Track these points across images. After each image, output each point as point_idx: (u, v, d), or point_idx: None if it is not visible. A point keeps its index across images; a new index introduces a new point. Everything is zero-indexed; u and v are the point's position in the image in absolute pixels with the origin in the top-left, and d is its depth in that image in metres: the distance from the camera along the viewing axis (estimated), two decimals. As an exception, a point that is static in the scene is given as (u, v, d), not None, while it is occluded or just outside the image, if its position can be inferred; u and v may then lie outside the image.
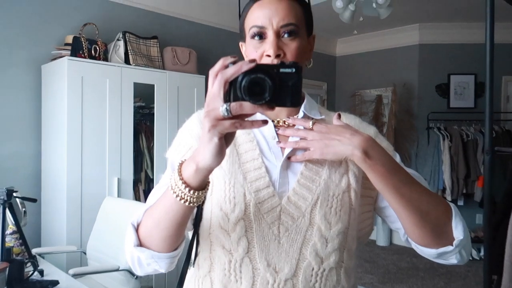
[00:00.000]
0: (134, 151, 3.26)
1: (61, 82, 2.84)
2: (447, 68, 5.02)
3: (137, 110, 3.32)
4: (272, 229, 0.75)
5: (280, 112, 0.84)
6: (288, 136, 0.82)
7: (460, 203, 4.57)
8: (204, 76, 3.62)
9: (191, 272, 0.83)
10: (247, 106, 0.56)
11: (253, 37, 0.80)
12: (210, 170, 0.64)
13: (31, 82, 3.08)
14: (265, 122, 0.61)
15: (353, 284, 0.82)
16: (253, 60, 0.58)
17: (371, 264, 4.38)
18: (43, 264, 2.00)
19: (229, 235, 0.75)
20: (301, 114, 0.84)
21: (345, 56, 5.87)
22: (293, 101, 0.59)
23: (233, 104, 0.56)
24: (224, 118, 0.57)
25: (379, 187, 0.74)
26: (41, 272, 1.83)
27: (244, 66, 0.57)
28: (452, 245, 0.74)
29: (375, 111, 5.26)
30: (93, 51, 3.02)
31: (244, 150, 0.81)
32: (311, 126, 0.78)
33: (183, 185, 0.65)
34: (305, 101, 0.85)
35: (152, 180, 3.44)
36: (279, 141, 0.81)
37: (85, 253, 2.56)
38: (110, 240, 2.41)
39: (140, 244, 0.75)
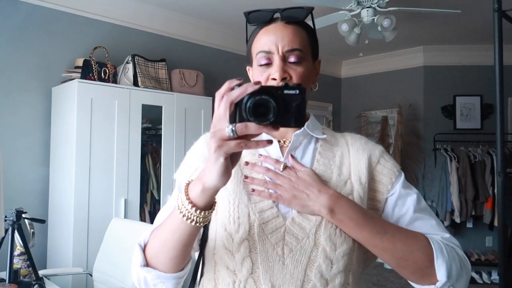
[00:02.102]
0: (140, 171, 3.28)
1: (71, 104, 2.88)
2: (453, 90, 5.04)
3: (143, 132, 3.34)
4: (276, 249, 0.75)
5: (287, 133, 0.85)
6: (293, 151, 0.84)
7: (469, 225, 4.51)
8: (211, 98, 3.66)
9: None
10: (252, 126, 0.58)
11: (260, 64, 0.82)
12: (216, 190, 0.65)
13: (42, 104, 3.12)
14: (269, 142, 0.63)
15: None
16: (258, 83, 0.60)
17: (380, 288, 4.29)
18: (49, 286, 1.99)
19: (233, 256, 0.75)
20: (301, 130, 0.84)
21: (351, 77, 5.91)
22: (297, 122, 0.60)
23: (239, 125, 0.58)
24: (230, 139, 0.59)
25: (353, 237, 0.76)
26: (48, 295, 1.82)
27: (249, 88, 0.59)
28: (434, 286, 0.75)
29: (381, 132, 5.26)
30: (102, 74, 3.07)
31: (248, 171, 0.82)
32: (281, 169, 0.80)
33: (190, 205, 0.66)
34: (308, 120, 0.86)
35: (158, 201, 3.43)
36: (246, 177, 0.81)
37: (91, 275, 2.54)
38: (116, 262, 2.39)
39: (147, 264, 0.75)
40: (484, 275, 4.43)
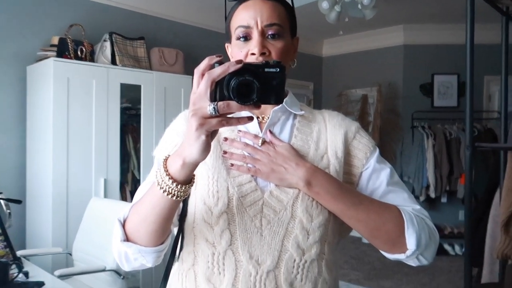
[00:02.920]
0: (120, 152, 3.25)
1: (47, 83, 2.82)
2: (431, 68, 5.10)
3: (123, 112, 3.31)
4: (254, 222, 0.77)
5: (265, 109, 0.86)
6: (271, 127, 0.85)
7: (444, 200, 4.66)
8: (191, 77, 3.61)
9: (175, 266, 0.84)
10: (234, 105, 0.60)
11: (238, 38, 0.82)
12: (196, 165, 0.67)
13: (16, 82, 3.05)
14: (250, 118, 0.65)
15: (335, 277, 0.84)
16: (239, 61, 0.61)
17: (357, 261, 4.43)
18: (28, 266, 1.99)
19: (212, 228, 0.77)
20: (279, 106, 0.84)
21: (331, 56, 5.92)
22: (277, 99, 0.63)
23: (221, 104, 0.60)
24: (211, 117, 0.60)
25: (329, 209, 0.79)
26: (26, 274, 1.83)
27: (231, 67, 0.60)
28: (404, 254, 0.78)
29: (361, 110, 5.32)
30: (79, 52, 3.01)
31: (228, 147, 0.83)
32: (260, 145, 0.81)
33: (170, 180, 0.67)
34: (287, 97, 0.88)
35: (139, 180, 3.43)
36: (225, 152, 0.83)
37: (71, 255, 2.55)
38: (96, 241, 2.40)
39: (127, 239, 0.76)
40: (457, 247, 4.61)
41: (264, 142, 0.82)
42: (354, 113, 5.39)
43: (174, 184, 0.67)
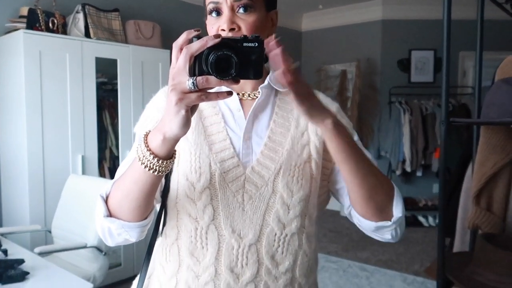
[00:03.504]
0: (97, 128, 3.19)
1: (17, 57, 2.71)
2: (409, 44, 5.14)
3: (99, 87, 3.22)
4: (236, 197, 0.79)
5: (245, 85, 0.86)
6: (250, 107, 0.84)
7: (419, 173, 4.80)
8: (169, 51, 3.55)
9: (159, 241, 0.85)
10: (213, 80, 0.59)
11: (210, 13, 0.81)
12: (177, 140, 0.66)
13: (-16, 56, 2.92)
14: (229, 93, 0.64)
15: (314, 249, 0.86)
16: (218, 36, 0.60)
17: (335, 234, 4.55)
18: (6, 244, 1.97)
19: (195, 204, 0.78)
20: (266, 83, 0.85)
21: (311, 31, 5.88)
22: (256, 74, 0.63)
23: (199, 79, 0.59)
24: (190, 92, 0.60)
25: (339, 158, 0.75)
26: (5, 252, 1.81)
27: (209, 42, 0.60)
28: (390, 220, 0.79)
29: (340, 86, 5.35)
30: (50, 24, 2.89)
31: (210, 123, 0.83)
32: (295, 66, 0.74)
33: (151, 156, 0.67)
34: (270, 72, 0.86)
35: (117, 157, 3.39)
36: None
37: (50, 232, 2.53)
38: (76, 218, 2.38)
39: (110, 215, 0.76)
40: (430, 219, 4.79)
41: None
42: (333, 88, 5.42)
43: (155, 159, 0.67)
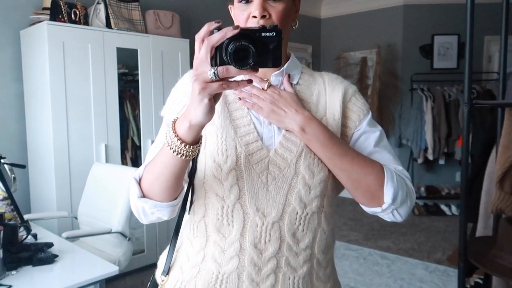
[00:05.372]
0: (120, 119, 3.25)
1: (42, 48, 2.78)
2: (431, 29, 5.03)
3: (120, 77, 3.27)
4: (261, 178, 0.83)
5: (267, 72, 0.89)
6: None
7: (441, 162, 4.72)
8: (188, 40, 3.57)
9: (186, 218, 0.90)
10: (232, 70, 0.63)
11: (240, 0, 0.84)
12: (202, 126, 0.70)
13: (11, 47, 3.00)
14: (249, 81, 0.67)
15: (332, 228, 0.90)
16: (236, 27, 0.63)
17: (356, 222, 4.54)
18: (35, 229, 2.04)
19: (222, 184, 0.82)
20: (282, 69, 0.89)
21: (330, 18, 5.81)
22: (274, 62, 0.66)
23: (220, 69, 0.63)
24: (212, 81, 0.64)
25: (320, 156, 0.84)
26: (35, 236, 1.87)
27: (228, 33, 0.63)
28: (381, 207, 0.82)
29: (360, 73, 5.28)
30: (72, 15, 2.94)
31: (234, 109, 0.88)
32: (266, 88, 0.85)
33: (179, 141, 0.71)
34: (289, 60, 0.90)
35: (139, 147, 3.44)
36: (240, 99, 0.88)
37: (76, 218, 2.61)
38: (100, 205, 2.44)
39: (144, 195, 0.81)
40: (453, 208, 4.72)
41: (270, 86, 0.86)
42: (353, 76, 5.36)
43: (183, 144, 0.71)
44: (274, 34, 0.64)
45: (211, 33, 0.64)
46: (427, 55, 5.08)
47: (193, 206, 0.87)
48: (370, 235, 4.13)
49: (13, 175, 2.01)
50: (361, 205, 0.87)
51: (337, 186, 0.89)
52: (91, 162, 2.86)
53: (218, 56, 0.64)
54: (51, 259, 1.66)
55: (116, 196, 2.34)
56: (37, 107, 2.91)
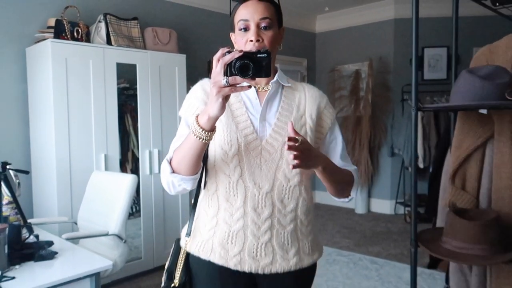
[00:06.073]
0: (120, 131, 3.41)
1: (46, 64, 2.97)
2: (421, 42, 5.18)
3: (121, 92, 3.44)
4: (256, 160, 1.14)
5: (260, 81, 1.21)
6: (264, 96, 1.19)
7: (432, 170, 4.83)
8: (185, 55, 3.76)
9: (202, 194, 1.21)
10: (238, 79, 0.93)
11: (240, 29, 1.14)
12: (217, 118, 1.00)
13: (16, 64, 3.20)
14: (249, 87, 0.97)
15: (310, 197, 1.22)
16: (241, 51, 0.94)
17: (349, 230, 4.65)
18: (37, 231, 2.18)
19: (228, 165, 1.14)
20: (275, 79, 1.21)
21: (325, 32, 6.01)
22: (266, 74, 0.96)
23: (230, 78, 0.93)
24: (225, 86, 0.94)
25: (323, 179, 1.13)
26: (37, 237, 2.02)
27: (235, 54, 0.93)
28: (347, 198, 1.25)
29: (353, 85, 5.44)
30: (75, 33, 3.14)
31: (235, 108, 1.18)
32: (299, 141, 1.04)
33: (200, 129, 1.00)
34: (278, 72, 1.22)
35: (138, 159, 3.56)
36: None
37: (76, 224, 2.75)
38: (99, 210, 2.59)
39: (173, 171, 1.10)
40: (445, 215, 4.81)
41: (302, 140, 1.03)
42: (346, 87, 5.52)
43: (203, 132, 1.00)
44: (266, 55, 0.95)
45: (224, 55, 0.94)
46: (417, 66, 5.24)
47: (207, 184, 1.18)
48: (362, 242, 4.24)
49: (17, 181, 2.17)
50: (331, 196, 1.22)
51: None
52: (91, 171, 3.02)
53: (228, 70, 0.94)
54: (51, 255, 1.81)
55: (114, 201, 2.49)
56: (41, 118, 3.09)
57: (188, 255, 1.20)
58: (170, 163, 1.11)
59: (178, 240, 1.24)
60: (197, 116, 1.01)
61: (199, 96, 1.19)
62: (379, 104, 5.31)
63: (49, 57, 2.93)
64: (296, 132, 1.01)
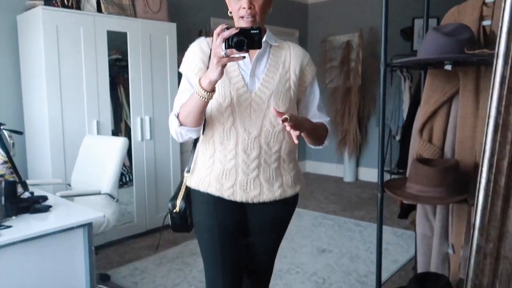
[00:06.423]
0: (113, 102, 3.46)
1: (37, 31, 3.00)
2: (412, 13, 5.23)
3: (114, 63, 3.47)
4: (246, 110, 1.33)
5: (252, 51, 1.36)
6: (254, 55, 1.36)
7: (403, 125, 4.90)
8: (175, 24, 3.79)
9: (200, 139, 1.41)
10: (235, 51, 1.13)
11: None
12: (216, 82, 1.20)
13: (7, 31, 3.23)
14: (243, 57, 1.18)
15: (292, 141, 1.31)
16: (237, 28, 1.12)
17: (336, 197, 4.80)
18: (32, 190, 2.28)
19: (222, 115, 1.33)
20: (263, 39, 1.34)
21: (317, 3, 6.01)
22: (258, 47, 1.16)
23: (228, 50, 1.12)
24: (223, 57, 1.13)
25: (304, 135, 1.33)
26: (32, 193, 2.12)
27: (233, 31, 1.11)
28: (321, 146, 1.46)
29: (343, 56, 5.49)
30: (65, 1, 3.16)
31: (228, 65, 1.33)
32: (289, 118, 1.20)
33: (203, 91, 1.21)
34: (266, 32, 1.38)
35: (131, 129, 3.64)
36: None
37: (69, 185, 2.86)
38: (92, 172, 2.69)
39: (181, 124, 1.31)
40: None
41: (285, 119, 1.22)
42: (337, 58, 5.57)
43: (205, 92, 1.21)
44: (258, 31, 1.13)
45: (223, 31, 1.11)
46: (407, 37, 5.28)
47: (205, 131, 1.39)
48: (348, 207, 4.39)
49: (12, 141, 2.26)
50: (308, 144, 1.43)
51: (293, 114, 1.35)
52: (84, 135, 3.10)
53: (227, 44, 1.12)
54: (46, 208, 1.92)
55: (106, 163, 2.59)
56: (34, 85, 3.14)
57: (188, 189, 1.44)
58: (177, 117, 1.31)
59: (182, 178, 1.47)
60: (199, 80, 1.20)
61: (198, 55, 1.37)
62: (369, 75, 5.37)
63: (40, 25, 2.96)
64: (280, 113, 1.18)
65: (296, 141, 1.21)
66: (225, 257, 1.39)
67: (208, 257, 1.42)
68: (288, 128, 1.17)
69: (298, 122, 1.20)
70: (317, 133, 1.38)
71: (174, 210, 1.43)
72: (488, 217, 0.65)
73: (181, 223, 1.44)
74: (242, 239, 1.41)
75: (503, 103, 0.66)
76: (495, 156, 0.64)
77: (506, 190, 0.64)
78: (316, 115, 1.44)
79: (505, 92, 0.65)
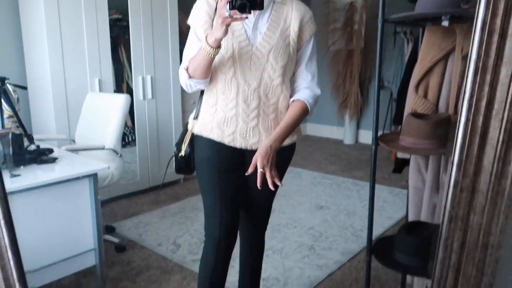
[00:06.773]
0: (114, 63, 3.46)
1: (36, -15, 2.97)
2: (418, -27, 5.10)
3: (114, 23, 3.44)
4: (247, 63, 1.39)
5: (254, 12, 1.40)
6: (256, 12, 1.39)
7: (400, 82, 4.90)
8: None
9: (206, 89, 1.49)
10: (238, 12, 1.20)
11: None
12: (221, 39, 1.28)
13: (7, -14, 3.20)
14: (246, 17, 1.24)
15: (289, 93, 1.47)
16: None
17: (336, 158, 4.88)
18: (38, 143, 2.35)
19: (224, 66, 1.40)
20: None
21: (321, -39, 5.85)
22: (260, 8, 1.23)
23: (232, 11, 1.19)
24: (227, 18, 1.21)
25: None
26: (38, 146, 2.19)
27: None
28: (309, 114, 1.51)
29: (346, 18, 5.41)
30: (63, -46, 3.10)
31: (233, 23, 1.37)
32: (263, 169, 1.33)
33: (209, 47, 1.29)
34: None
35: (133, 90, 3.66)
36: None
37: (73, 141, 2.92)
38: (95, 128, 2.75)
39: (190, 77, 1.40)
40: (429, 146, 5.02)
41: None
42: (340, 20, 5.49)
43: (211, 49, 1.29)
44: None
45: None
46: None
47: (210, 82, 1.46)
48: (347, 168, 4.48)
49: (16, 96, 2.30)
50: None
51: (291, 69, 1.46)
52: (86, 93, 3.13)
53: (230, 5, 1.19)
54: (52, 160, 1.99)
55: (109, 119, 2.64)
56: (36, 41, 3.14)
57: (192, 135, 1.52)
58: (187, 70, 1.40)
59: (187, 124, 1.56)
60: (206, 37, 1.28)
61: (204, 8, 1.42)
62: (372, 37, 5.32)
63: (39, -22, 2.93)
64: (254, 167, 1.31)
65: (279, 183, 1.32)
66: (223, 188, 1.47)
67: (207, 189, 1.49)
68: (269, 181, 1.29)
69: (272, 163, 1.31)
70: (292, 130, 1.44)
71: (180, 154, 1.53)
72: (466, 153, 0.70)
73: (185, 166, 1.55)
74: (241, 176, 1.45)
75: (483, 47, 0.69)
76: (474, 97, 0.68)
77: (483, 128, 0.69)
78: (303, 74, 1.47)
79: (485, 37, 0.68)
